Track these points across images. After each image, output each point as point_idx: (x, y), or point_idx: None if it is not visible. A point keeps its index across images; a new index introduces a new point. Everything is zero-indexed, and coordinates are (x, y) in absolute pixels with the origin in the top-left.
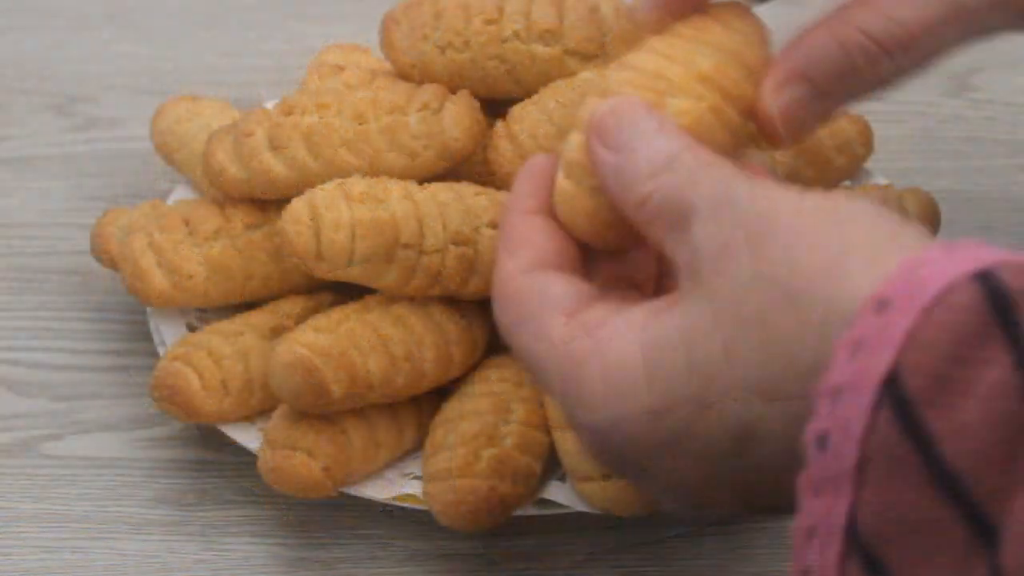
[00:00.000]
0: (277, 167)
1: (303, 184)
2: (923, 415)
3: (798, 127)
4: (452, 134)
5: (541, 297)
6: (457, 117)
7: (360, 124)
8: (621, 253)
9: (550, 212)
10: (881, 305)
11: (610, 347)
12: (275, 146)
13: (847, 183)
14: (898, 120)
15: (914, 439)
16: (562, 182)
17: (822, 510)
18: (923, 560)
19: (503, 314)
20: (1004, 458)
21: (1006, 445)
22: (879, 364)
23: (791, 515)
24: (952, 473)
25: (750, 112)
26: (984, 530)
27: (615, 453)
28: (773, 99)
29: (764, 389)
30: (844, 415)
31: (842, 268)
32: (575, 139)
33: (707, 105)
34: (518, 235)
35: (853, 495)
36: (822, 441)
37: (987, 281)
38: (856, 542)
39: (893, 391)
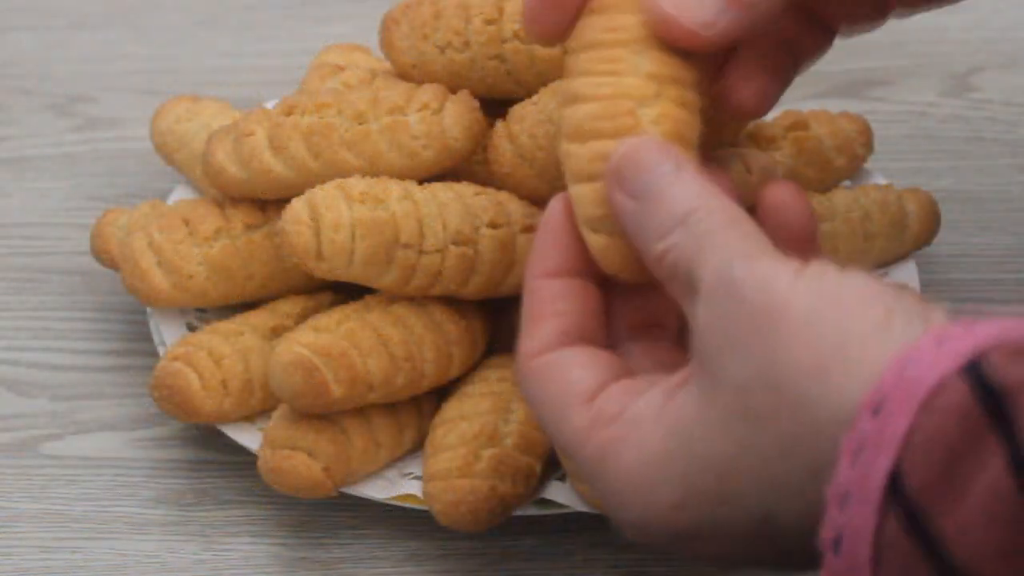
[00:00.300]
0: (277, 167)
1: (303, 184)
2: (926, 516)
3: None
4: (452, 134)
5: (561, 380)
6: (457, 117)
7: (360, 124)
8: (649, 290)
9: (570, 270)
10: (876, 407)
11: (631, 440)
12: (275, 146)
13: (847, 183)
14: (898, 120)
15: (921, 540)
16: (592, 237)
17: None
18: None
19: (528, 392)
20: (1003, 556)
21: (1003, 544)
22: (880, 468)
23: None
24: (959, 572)
25: (697, 81)
26: None
27: (645, 539)
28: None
29: (779, 484)
30: (852, 519)
31: (837, 368)
32: (588, 192)
33: (672, 100)
34: (538, 306)
35: None
36: (836, 544)
37: (976, 375)
38: None
39: (896, 494)
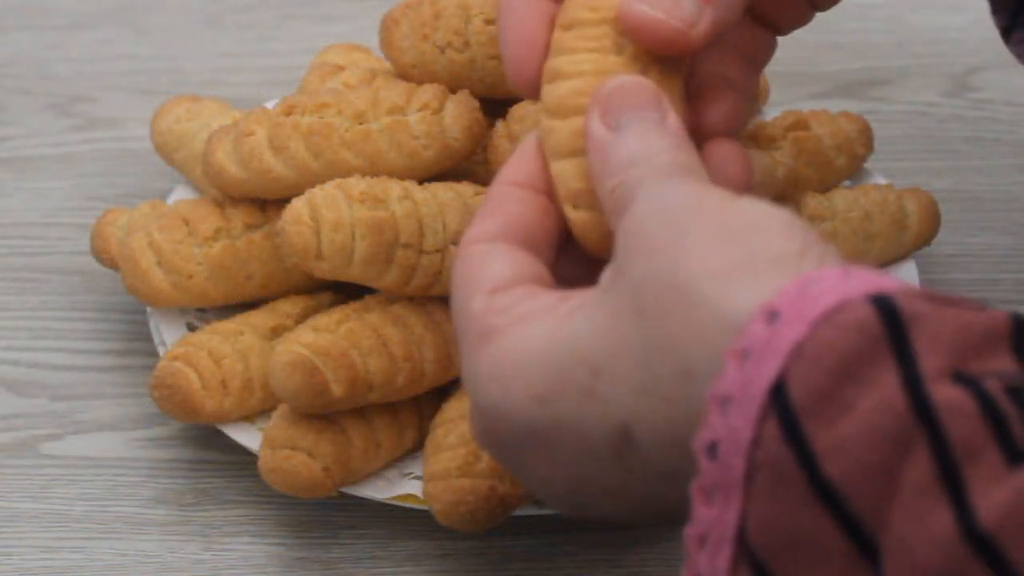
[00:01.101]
0: (277, 167)
1: (303, 184)
2: (806, 428)
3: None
4: (452, 134)
5: (480, 267)
6: (457, 117)
7: (360, 124)
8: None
9: (536, 187)
10: (771, 316)
11: (514, 331)
12: (275, 146)
13: (847, 183)
14: (898, 120)
15: (797, 452)
16: (574, 214)
17: (713, 518)
18: (809, 573)
19: (452, 274)
20: (881, 474)
21: (884, 462)
22: (765, 374)
23: (665, 525)
24: (833, 488)
25: (678, 68)
26: (866, 546)
27: (495, 438)
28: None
29: (647, 386)
30: (732, 424)
31: (740, 276)
32: (569, 167)
33: (655, 81)
34: (493, 203)
35: (742, 504)
36: (712, 449)
37: (882, 302)
38: (746, 551)
39: (778, 402)
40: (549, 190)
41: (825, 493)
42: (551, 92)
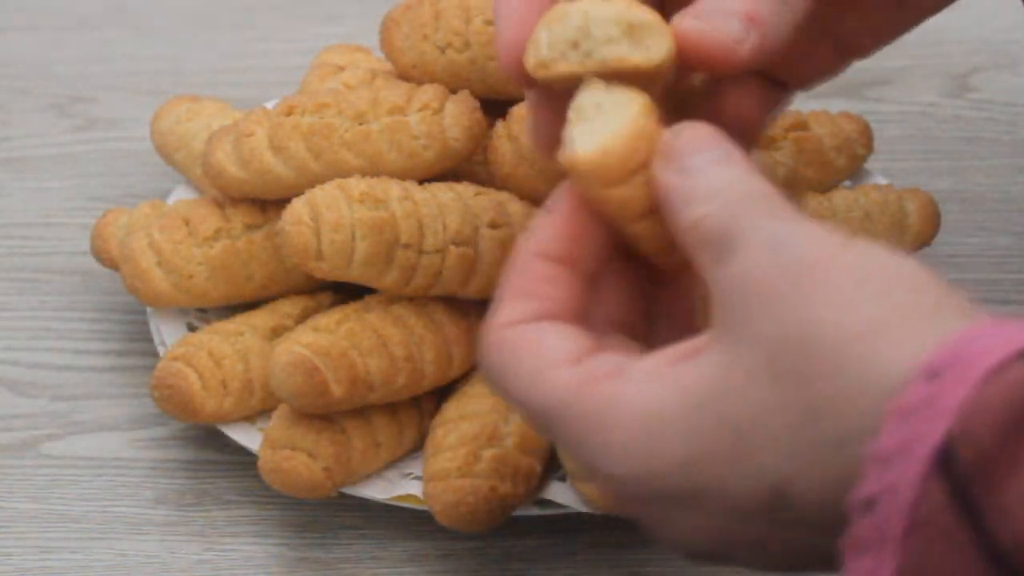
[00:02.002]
0: (277, 167)
1: (303, 184)
2: (975, 489)
3: (714, 32)
4: (452, 134)
5: (539, 346)
6: (457, 117)
7: (360, 124)
8: (629, 289)
9: (564, 258)
10: (932, 375)
11: (638, 394)
12: (275, 146)
13: (847, 183)
14: (898, 120)
15: (966, 512)
16: (637, 225)
17: (864, 572)
18: None
19: (494, 362)
20: None
21: None
22: (932, 433)
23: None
24: (1003, 551)
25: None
26: None
27: (640, 502)
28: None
29: (801, 451)
30: (893, 482)
31: (887, 334)
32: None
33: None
34: (523, 282)
35: (900, 560)
36: (869, 505)
37: None
38: None
39: (946, 462)
40: (579, 258)
41: (994, 555)
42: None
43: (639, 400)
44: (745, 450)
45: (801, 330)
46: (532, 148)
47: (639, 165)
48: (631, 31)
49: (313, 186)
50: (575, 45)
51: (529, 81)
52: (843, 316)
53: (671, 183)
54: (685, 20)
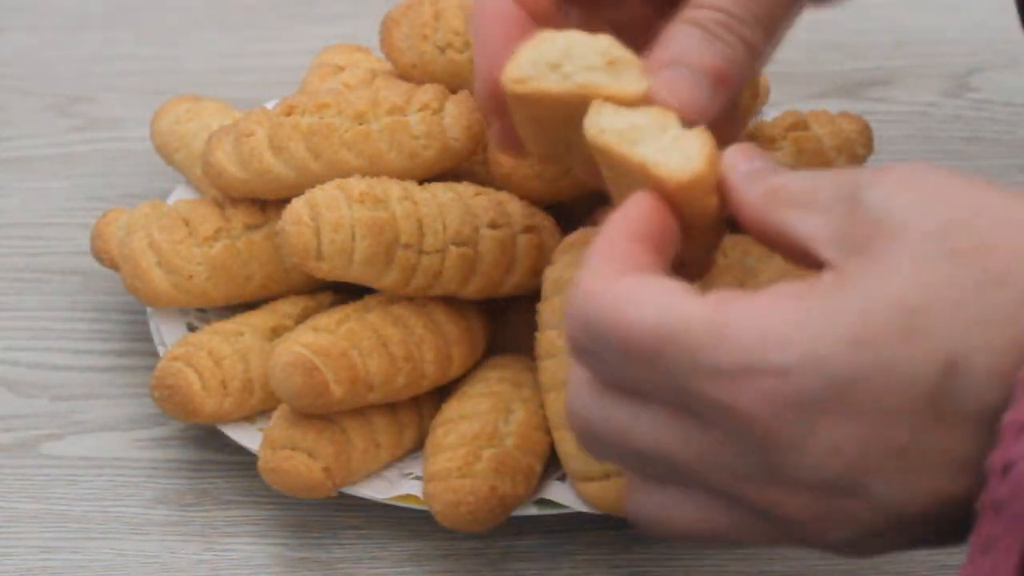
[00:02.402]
0: (277, 167)
1: (303, 184)
2: None
3: (687, 91)
4: (452, 134)
5: (660, 285)
6: (457, 117)
7: (360, 124)
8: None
9: (655, 243)
10: None
11: (790, 295)
12: (275, 146)
13: None
14: (898, 120)
15: None
16: None
17: (1000, 531)
18: None
19: (606, 307)
20: None
21: None
22: None
23: (948, 543)
24: None
25: None
26: None
27: (789, 399)
28: (656, 81)
29: (980, 318)
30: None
31: None
32: None
33: None
34: (616, 250)
35: None
36: (1006, 469)
37: None
38: None
39: None
40: (663, 245)
41: None
42: None
43: (795, 298)
44: (919, 325)
45: (970, 209)
46: (499, 151)
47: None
48: (611, 64)
49: (313, 186)
50: (555, 67)
51: (499, 111)
52: (1008, 197)
53: (740, 166)
54: (658, 79)
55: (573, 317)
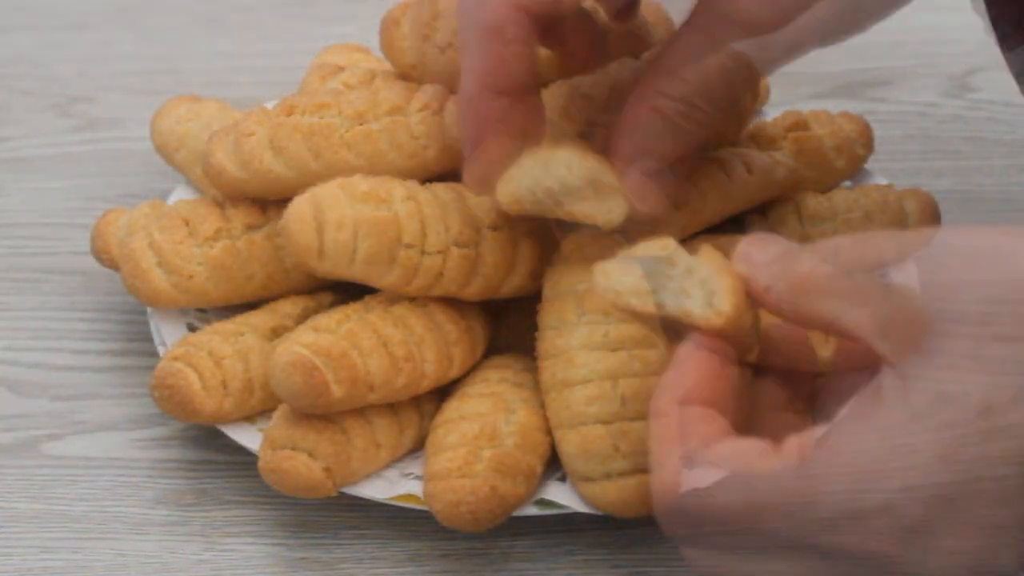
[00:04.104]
0: (277, 167)
1: (303, 184)
2: None
3: (654, 195)
4: (452, 134)
5: (736, 453)
6: (457, 117)
7: (360, 124)
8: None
9: (711, 400)
10: None
11: (861, 431)
12: (275, 146)
13: (847, 183)
14: (898, 120)
15: None
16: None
17: None
18: None
19: (689, 506)
20: None
21: None
22: None
23: None
24: None
25: None
26: None
27: (902, 533)
28: (627, 183)
29: None
30: None
31: None
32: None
33: None
34: (678, 428)
35: None
36: None
37: None
38: None
39: None
40: (720, 398)
41: None
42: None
43: (868, 432)
44: (995, 422)
45: (1007, 288)
46: (472, 190)
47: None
48: (599, 190)
49: (313, 186)
50: (548, 192)
51: (479, 140)
52: None
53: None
54: (628, 184)
55: (666, 515)
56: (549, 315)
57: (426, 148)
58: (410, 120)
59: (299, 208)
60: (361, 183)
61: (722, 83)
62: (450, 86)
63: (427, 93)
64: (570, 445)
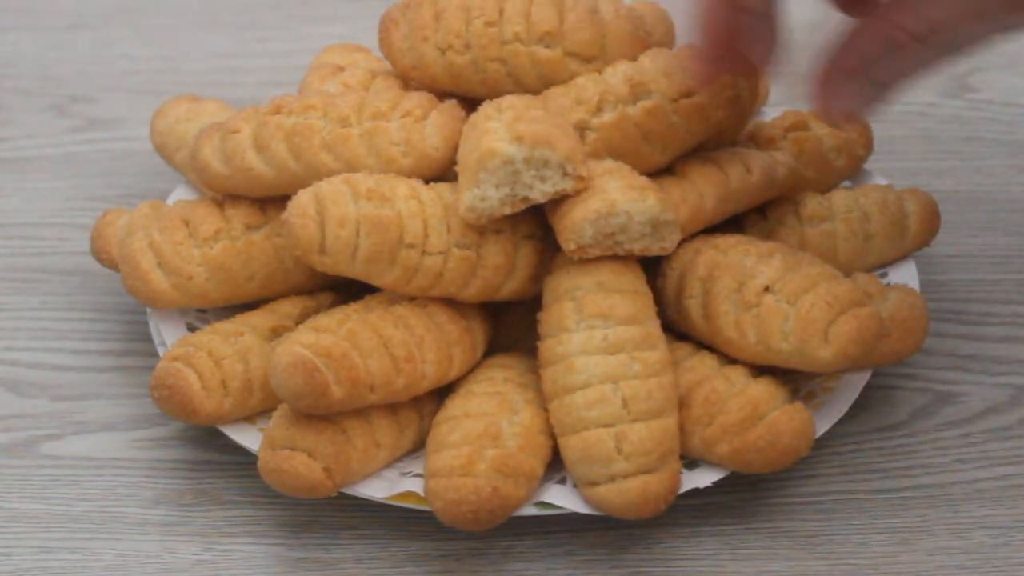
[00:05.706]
0: (258, 165)
1: (282, 184)
2: None
3: (855, 113)
4: (432, 143)
5: None
6: (440, 126)
7: (343, 127)
8: None
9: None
10: None
11: None
12: (259, 144)
13: (847, 183)
14: (898, 120)
15: None
16: None
17: None
18: None
19: None
20: None
21: None
22: None
23: None
24: None
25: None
26: None
27: None
28: (833, 96)
29: None
30: None
31: None
32: None
33: None
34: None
35: None
36: None
37: None
38: None
39: None
40: None
41: None
42: None
43: None
44: None
45: None
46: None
47: None
48: (657, 228)
49: (292, 187)
50: (611, 235)
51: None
52: None
53: None
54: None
55: None
56: (548, 322)
57: (404, 155)
58: (391, 127)
59: (302, 203)
60: (366, 180)
61: (961, 26)
62: (450, 88)
63: (412, 100)
64: (573, 451)
